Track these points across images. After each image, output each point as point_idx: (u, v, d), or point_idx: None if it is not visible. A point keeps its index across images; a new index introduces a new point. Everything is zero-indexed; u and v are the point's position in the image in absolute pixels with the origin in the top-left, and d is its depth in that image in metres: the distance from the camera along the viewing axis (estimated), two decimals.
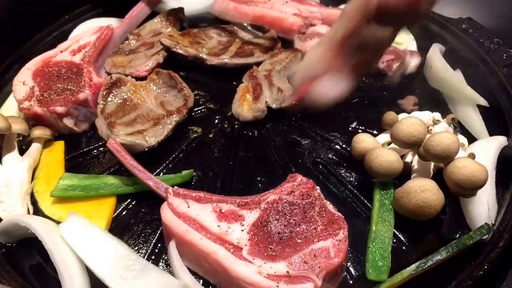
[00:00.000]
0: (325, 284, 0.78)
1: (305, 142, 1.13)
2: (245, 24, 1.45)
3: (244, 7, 1.49)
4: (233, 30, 1.44)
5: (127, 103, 1.16)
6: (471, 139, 1.10)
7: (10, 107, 1.23)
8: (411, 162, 1.01)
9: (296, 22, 1.41)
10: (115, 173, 1.06)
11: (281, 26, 1.43)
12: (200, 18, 1.57)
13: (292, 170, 1.05)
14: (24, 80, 1.18)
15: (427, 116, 1.06)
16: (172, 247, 0.84)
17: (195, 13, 1.58)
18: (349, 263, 0.88)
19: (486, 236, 0.87)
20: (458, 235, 0.92)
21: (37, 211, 0.98)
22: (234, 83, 1.28)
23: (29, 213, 0.97)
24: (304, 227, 0.82)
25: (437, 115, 1.07)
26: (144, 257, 0.89)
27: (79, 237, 0.84)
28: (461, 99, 1.18)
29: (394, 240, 0.90)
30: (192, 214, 0.84)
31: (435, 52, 1.28)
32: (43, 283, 0.86)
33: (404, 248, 0.91)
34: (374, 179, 0.98)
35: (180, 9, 1.50)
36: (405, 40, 1.41)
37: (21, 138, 1.12)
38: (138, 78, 1.25)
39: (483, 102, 1.14)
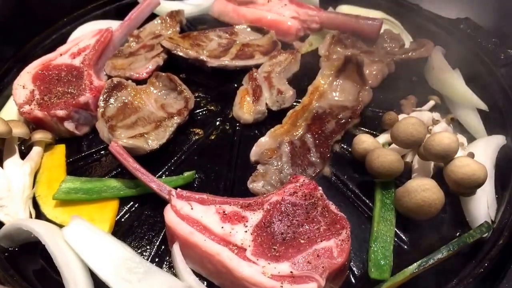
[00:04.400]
0: (329, 283, 0.79)
1: None
2: (244, 26, 1.45)
3: (242, 9, 1.49)
4: (233, 32, 1.44)
5: (128, 106, 1.15)
6: (470, 138, 1.11)
7: (10, 110, 1.22)
8: (412, 161, 1.02)
9: (294, 25, 1.42)
10: (117, 176, 1.06)
11: (279, 29, 1.43)
12: (199, 20, 1.57)
13: None
14: (24, 83, 1.18)
15: (426, 116, 1.07)
16: (176, 249, 0.84)
17: (194, 14, 1.58)
18: (351, 263, 0.88)
19: (486, 234, 0.89)
20: (458, 233, 0.93)
21: (40, 215, 0.97)
22: (235, 85, 1.28)
23: (31, 217, 0.97)
24: (307, 227, 0.83)
25: (436, 115, 1.08)
26: (147, 260, 0.89)
27: (83, 240, 0.84)
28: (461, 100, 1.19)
29: (396, 239, 0.91)
30: (195, 216, 0.85)
31: (438, 54, 1.28)
32: (46, 287, 0.86)
33: (405, 247, 0.92)
34: (375, 179, 0.99)
35: (180, 11, 1.50)
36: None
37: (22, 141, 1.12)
38: (138, 81, 1.25)
39: (483, 106, 1.14)
